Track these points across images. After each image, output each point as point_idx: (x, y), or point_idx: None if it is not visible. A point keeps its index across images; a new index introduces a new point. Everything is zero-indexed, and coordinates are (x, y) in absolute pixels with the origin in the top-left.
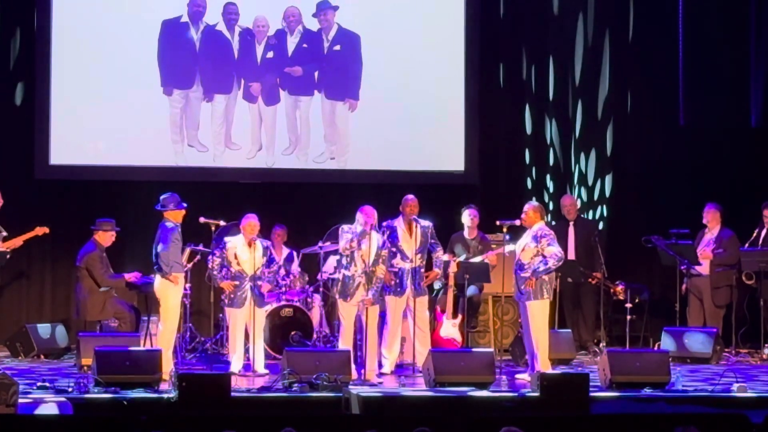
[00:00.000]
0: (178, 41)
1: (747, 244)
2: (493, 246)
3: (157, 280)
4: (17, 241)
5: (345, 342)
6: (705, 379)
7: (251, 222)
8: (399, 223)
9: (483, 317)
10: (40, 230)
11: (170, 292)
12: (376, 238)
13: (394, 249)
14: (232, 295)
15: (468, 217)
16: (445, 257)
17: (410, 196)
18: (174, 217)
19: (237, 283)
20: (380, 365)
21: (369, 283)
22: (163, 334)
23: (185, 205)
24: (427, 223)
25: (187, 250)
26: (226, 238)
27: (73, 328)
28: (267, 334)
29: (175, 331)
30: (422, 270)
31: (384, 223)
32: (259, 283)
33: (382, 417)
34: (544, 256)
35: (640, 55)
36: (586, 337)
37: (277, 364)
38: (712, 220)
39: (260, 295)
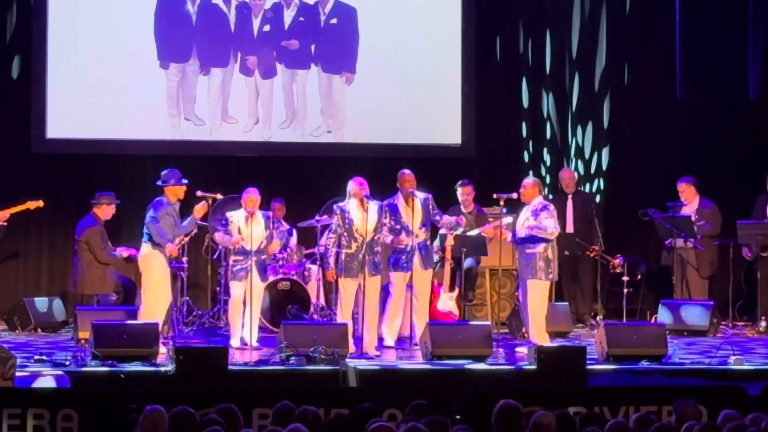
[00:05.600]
0: (175, 15)
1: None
2: (490, 219)
3: (143, 251)
4: (5, 214)
5: (344, 316)
6: (702, 352)
7: (252, 196)
8: (398, 200)
9: (480, 290)
10: (32, 204)
11: (154, 264)
12: (374, 209)
13: (398, 226)
14: (234, 269)
15: (462, 196)
16: (443, 231)
17: (406, 171)
18: (174, 193)
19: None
20: (382, 339)
21: (370, 254)
22: (145, 305)
23: (186, 181)
24: (425, 195)
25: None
26: (228, 213)
27: (71, 302)
28: (264, 307)
29: (158, 301)
30: (428, 243)
31: (384, 202)
32: (263, 257)
33: (380, 390)
34: (539, 227)
35: (637, 28)
36: (583, 310)
37: (274, 338)
38: (689, 195)
39: (263, 269)
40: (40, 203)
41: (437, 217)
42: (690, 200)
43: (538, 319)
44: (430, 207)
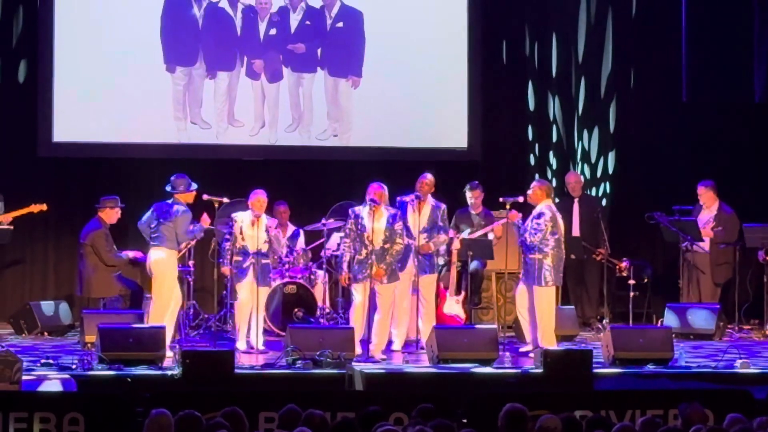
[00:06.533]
0: (181, 18)
1: None
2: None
3: (155, 255)
4: (7, 217)
5: (355, 320)
6: (708, 356)
7: (260, 198)
8: (411, 200)
9: (486, 294)
10: (36, 207)
11: (166, 269)
12: (384, 215)
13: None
14: (236, 270)
15: (471, 198)
16: (449, 234)
17: (425, 175)
18: (185, 199)
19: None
20: (391, 342)
21: (381, 261)
22: (155, 310)
23: (195, 186)
24: (437, 203)
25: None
26: (234, 214)
27: (77, 306)
28: (270, 310)
29: (168, 307)
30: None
31: (398, 198)
32: (264, 261)
33: (386, 393)
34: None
35: (643, 32)
36: (589, 313)
37: (281, 341)
38: (707, 199)
39: (263, 272)
40: (44, 207)
41: (441, 232)
42: (709, 204)
43: (545, 323)
44: (438, 216)
